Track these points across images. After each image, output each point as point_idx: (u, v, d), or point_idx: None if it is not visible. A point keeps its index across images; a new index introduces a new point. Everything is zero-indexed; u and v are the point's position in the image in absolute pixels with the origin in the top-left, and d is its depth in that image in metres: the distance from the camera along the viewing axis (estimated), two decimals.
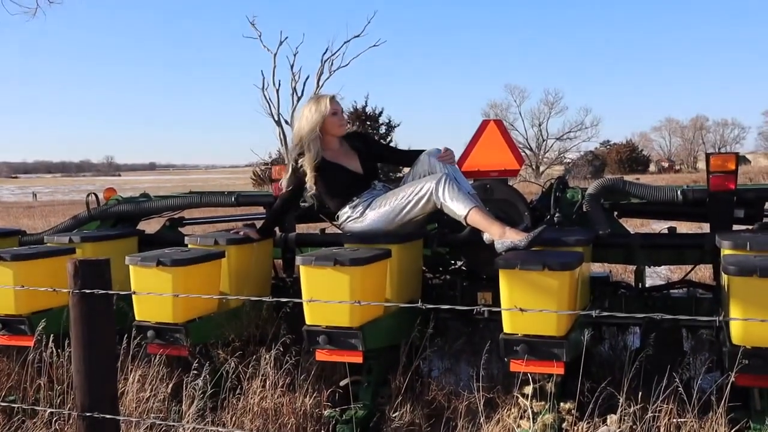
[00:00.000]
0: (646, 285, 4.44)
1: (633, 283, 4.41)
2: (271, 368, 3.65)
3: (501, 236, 3.48)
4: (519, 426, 3.31)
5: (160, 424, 3.31)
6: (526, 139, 55.96)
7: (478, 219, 3.59)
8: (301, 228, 5.03)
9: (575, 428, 3.21)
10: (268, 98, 36.10)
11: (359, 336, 3.35)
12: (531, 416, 3.31)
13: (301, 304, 3.42)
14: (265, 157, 38.22)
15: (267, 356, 3.69)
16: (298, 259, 3.45)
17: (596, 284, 4.27)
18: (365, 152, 4.16)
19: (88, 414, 2.50)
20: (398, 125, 36.17)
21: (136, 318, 3.69)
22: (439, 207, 3.71)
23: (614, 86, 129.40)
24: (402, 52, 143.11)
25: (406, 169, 4.17)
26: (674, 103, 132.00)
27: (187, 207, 5.14)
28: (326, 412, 3.66)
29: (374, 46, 36.96)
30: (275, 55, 35.89)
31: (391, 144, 32.23)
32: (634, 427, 3.08)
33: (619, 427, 3.08)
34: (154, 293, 3.55)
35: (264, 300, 3.17)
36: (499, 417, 3.38)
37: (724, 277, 3.16)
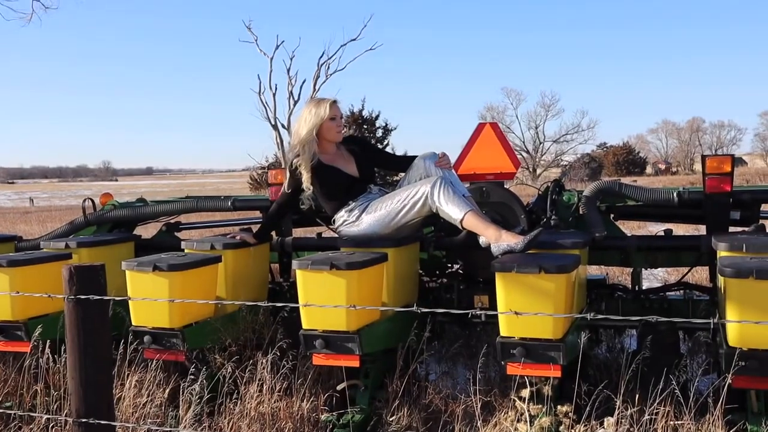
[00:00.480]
0: (643, 287, 4.45)
1: (630, 286, 4.41)
2: (268, 373, 3.65)
3: (497, 239, 3.48)
4: (516, 429, 3.31)
5: (157, 430, 3.31)
6: (523, 142, 56.03)
7: (473, 222, 3.59)
8: (298, 232, 5.02)
9: (572, 431, 3.21)
10: (264, 102, 36.03)
11: (356, 340, 3.35)
12: (528, 419, 3.31)
13: (297, 308, 3.42)
14: (261, 161, 38.18)
15: (264, 361, 3.69)
16: (295, 263, 3.45)
17: (593, 287, 4.28)
18: (362, 156, 4.15)
19: (83, 420, 2.49)
20: (395, 129, 36.19)
21: (133, 323, 3.68)
22: (434, 211, 3.71)
23: (611, 89, 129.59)
24: (398, 56, 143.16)
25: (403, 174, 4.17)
26: (671, 105, 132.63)
27: (183, 212, 5.14)
28: (323, 417, 3.66)
29: (371, 49, 36.87)
30: (272, 58, 35.86)
31: (388, 148, 32.26)
32: (631, 429, 3.08)
33: (616, 430, 3.08)
34: (150, 298, 3.55)
35: (260, 305, 3.16)
36: (496, 420, 3.38)
37: (721, 279, 3.16)
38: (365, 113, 35.55)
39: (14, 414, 3.59)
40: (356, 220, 3.92)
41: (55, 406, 3.63)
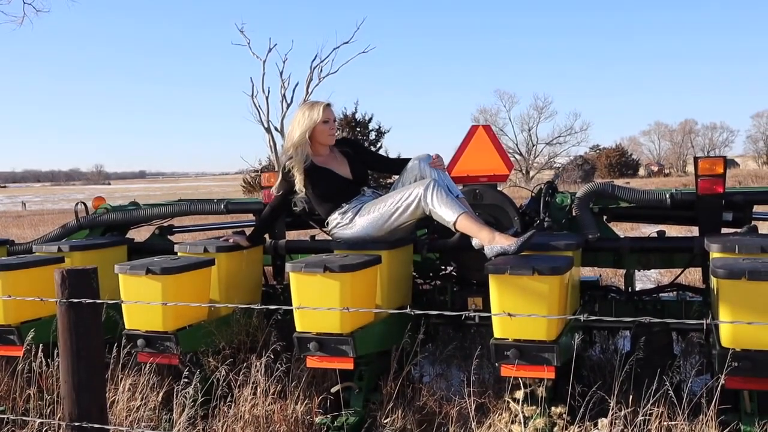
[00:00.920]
0: (636, 288, 4.46)
1: (623, 287, 4.43)
2: (261, 375, 3.64)
3: (490, 241, 3.48)
4: (510, 430, 3.31)
5: None
6: (516, 144, 55.97)
7: (467, 224, 3.59)
8: (291, 235, 5.02)
9: None
10: (257, 105, 36.05)
11: (350, 342, 3.35)
12: (522, 421, 3.30)
13: (291, 310, 3.41)
14: (255, 164, 38.18)
15: (258, 364, 3.68)
16: (288, 266, 3.44)
17: (586, 288, 4.29)
18: (355, 158, 4.16)
19: (77, 423, 2.49)
20: (388, 131, 36.18)
21: (126, 326, 3.68)
22: (427, 213, 3.71)
23: (603, 91, 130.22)
24: (391, 59, 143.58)
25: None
26: (663, 107, 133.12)
27: (176, 215, 5.13)
28: (317, 419, 3.66)
29: (363, 52, 37.00)
30: (264, 62, 35.91)
31: (381, 150, 32.26)
32: (625, 430, 3.09)
33: (611, 431, 3.09)
34: (143, 302, 3.54)
35: (254, 307, 3.15)
36: (490, 422, 3.38)
37: (713, 280, 3.18)
38: (358, 116, 35.54)
39: (7, 418, 3.58)
40: (349, 222, 3.91)
41: (48, 410, 3.62)
